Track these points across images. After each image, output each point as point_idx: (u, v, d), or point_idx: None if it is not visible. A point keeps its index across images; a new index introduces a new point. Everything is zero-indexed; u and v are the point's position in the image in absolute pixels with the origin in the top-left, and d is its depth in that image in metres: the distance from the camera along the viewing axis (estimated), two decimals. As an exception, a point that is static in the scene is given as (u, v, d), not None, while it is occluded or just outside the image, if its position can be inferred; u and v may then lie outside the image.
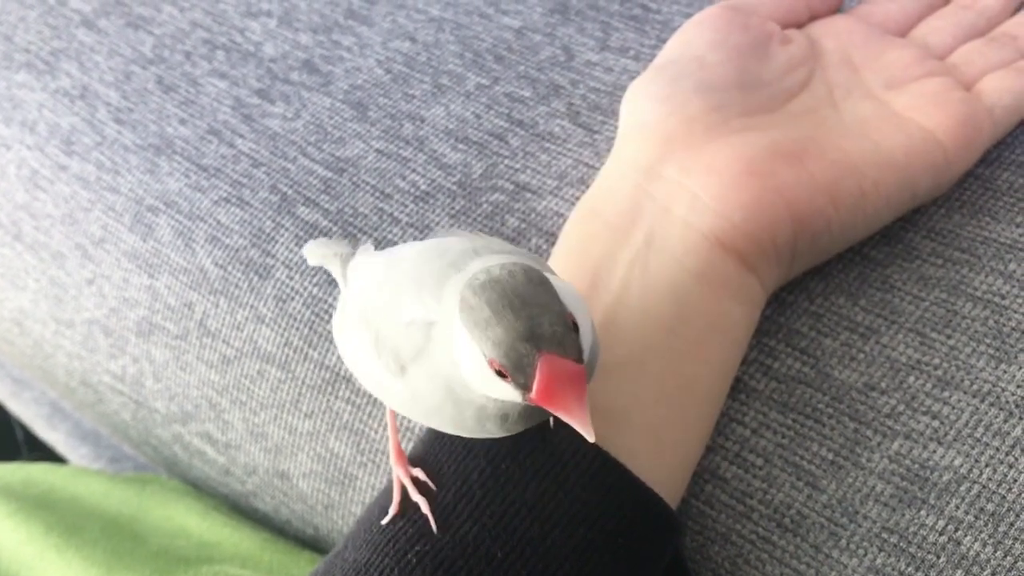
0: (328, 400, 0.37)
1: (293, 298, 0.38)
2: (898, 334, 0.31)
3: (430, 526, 0.28)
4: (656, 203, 0.31)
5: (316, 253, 0.32)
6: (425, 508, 0.28)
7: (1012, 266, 0.32)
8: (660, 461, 0.30)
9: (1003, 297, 0.31)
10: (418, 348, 0.25)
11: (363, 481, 0.37)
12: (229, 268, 0.40)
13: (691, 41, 0.35)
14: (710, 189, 0.31)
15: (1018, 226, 0.33)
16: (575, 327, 0.23)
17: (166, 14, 0.48)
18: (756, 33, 0.35)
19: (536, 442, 0.29)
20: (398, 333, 0.25)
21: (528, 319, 0.23)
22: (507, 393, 0.23)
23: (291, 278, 0.39)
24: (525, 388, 0.23)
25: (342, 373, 0.37)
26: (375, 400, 0.37)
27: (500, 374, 0.23)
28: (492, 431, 0.25)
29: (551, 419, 0.28)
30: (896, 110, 0.33)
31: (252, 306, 0.39)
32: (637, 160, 0.32)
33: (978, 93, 0.34)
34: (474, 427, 0.25)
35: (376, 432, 0.37)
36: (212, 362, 0.40)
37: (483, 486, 0.28)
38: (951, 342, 0.31)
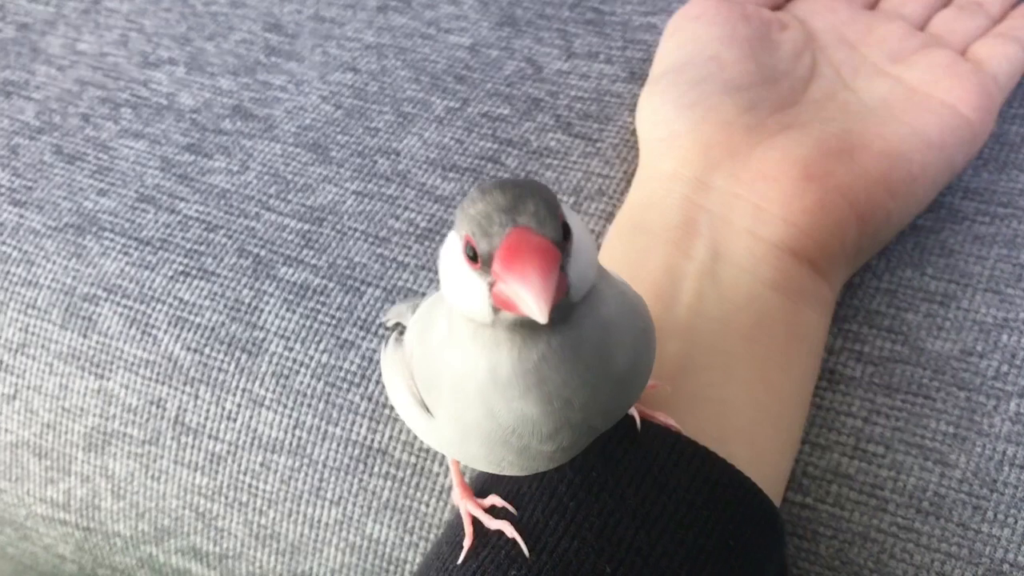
0: (360, 480, 0.33)
1: (297, 371, 0.33)
2: (976, 295, 0.31)
3: (520, 550, 0.25)
4: (713, 215, 0.30)
5: (394, 312, 0.29)
6: (510, 531, 0.25)
7: (1056, 213, 0.32)
8: (757, 467, 0.28)
9: (1057, 244, 0.32)
10: (438, 371, 0.22)
11: (415, 565, 0.33)
12: (206, 351, 0.34)
13: (699, 39, 0.33)
14: (770, 197, 0.30)
15: (1046, 174, 0.33)
16: (565, 231, 0.20)
17: (42, 75, 0.41)
18: (757, 23, 0.34)
19: (625, 445, 0.26)
20: (422, 369, 0.23)
21: (513, 197, 0.20)
22: (475, 290, 0.20)
23: (290, 349, 0.33)
24: (488, 262, 0.19)
25: (376, 446, 0.32)
26: (421, 470, 0.32)
27: (471, 256, 0.20)
28: (536, 440, 0.22)
29: (637, 420, 0.26)
30: (912, 86, 0.33)
31: (245, 390, 0.34)
32: (679, 172, 0.31)
33: (977, 62, 0.34)
34: (510, 431, 0.22)
35: (427, 506, 0.32)
36: (196, 464, 0.34)
37: (574, 497, 0.26)
38: (1029, 295, 0.31)
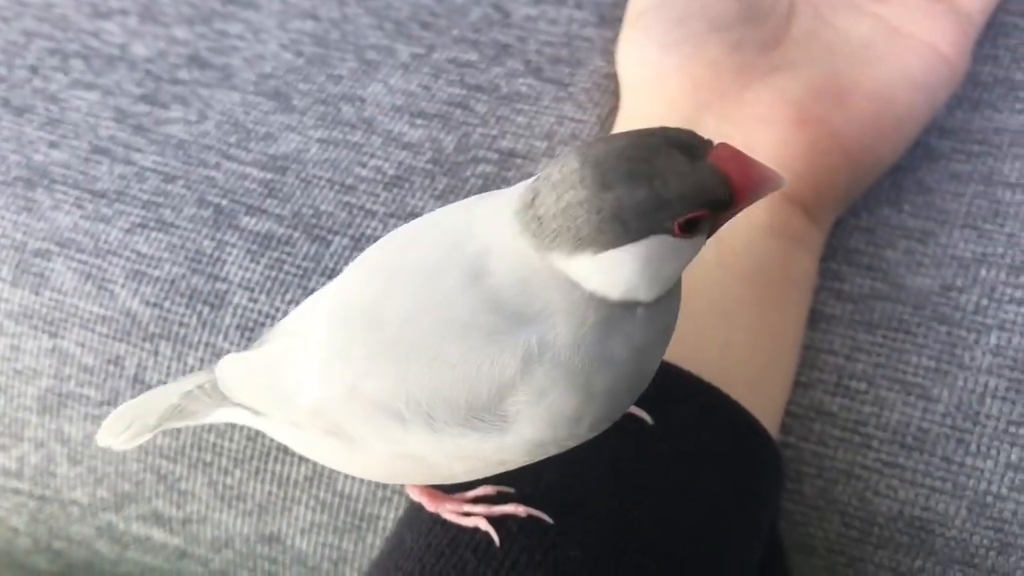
0: (331, 434, 0.32)
1: (263, 323, 0.32)
2: (954, 231, 0.31)
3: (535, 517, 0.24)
4: None
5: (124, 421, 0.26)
6: (485, 524, 0.23)
7: (1032, 150, 0.32)
8: (759, 410, 0.28)
9: (1033, 181, 0.32)
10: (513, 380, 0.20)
11: (388, 520, 0.32)
12: (166, 305, 0.33)
13: None
14: (764, 140, 0.29)
15: (1020, 113, 0.33)
16: None
17: (-15, 27, 0.39)
18: None
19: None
20: (470, 387, 0.20)
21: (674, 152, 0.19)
22: (683, 256, 0.20)
23: (255, 301, 0.32)
24: (727, 194, 0.19)
25: (347, 398, 0.31)
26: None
27: (689, 225, 0.19)
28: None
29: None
30: (891, 24, 0.32)
31: (208, 344, 0.32)
32: (667, 114, 0.30)
33: (950, 1, 0.34)
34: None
35: (400, 457, 0.31)
36: (157, 423, 0.33)
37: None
38: (1006, 229, 0.31)
